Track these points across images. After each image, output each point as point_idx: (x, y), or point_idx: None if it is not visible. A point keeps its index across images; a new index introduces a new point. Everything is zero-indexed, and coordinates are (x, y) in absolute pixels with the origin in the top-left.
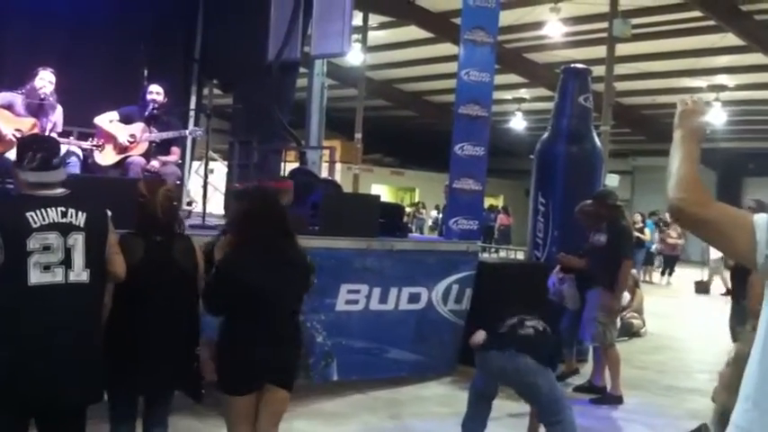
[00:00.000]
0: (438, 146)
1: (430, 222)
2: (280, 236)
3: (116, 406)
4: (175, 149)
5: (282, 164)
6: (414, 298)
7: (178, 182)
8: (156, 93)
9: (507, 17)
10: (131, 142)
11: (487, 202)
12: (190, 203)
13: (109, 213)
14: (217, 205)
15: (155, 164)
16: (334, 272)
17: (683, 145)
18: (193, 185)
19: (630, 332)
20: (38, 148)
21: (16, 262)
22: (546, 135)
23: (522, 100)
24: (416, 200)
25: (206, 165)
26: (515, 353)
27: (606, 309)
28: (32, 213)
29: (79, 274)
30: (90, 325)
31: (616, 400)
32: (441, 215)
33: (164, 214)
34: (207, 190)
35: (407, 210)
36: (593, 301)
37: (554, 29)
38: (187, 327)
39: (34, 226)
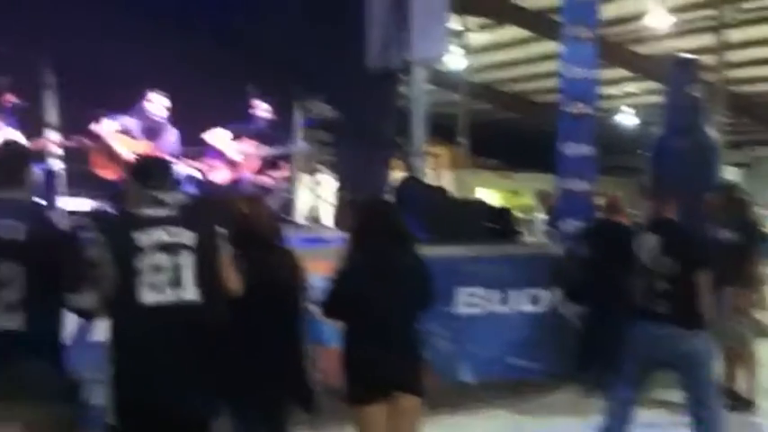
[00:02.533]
0: (545, 146)
1: (541, 225)
2: (395, 244)
3: (236, 423)
4: (284, 164)
5: (388, 172)
6: (534, 300)
7: (287, 196)
8: (262, 109)
9: (608, 9)
10: (242, 159)
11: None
12: (312, 218)
13: (221, 231)
14: (326, 217)
15: (265, 179)
16: (447, 277)
17: None
18: (302, 199)
19: (761, 332)
20: (154, 168)
21: (128, 282)
22: (657, 129)
23: (630, 94)
24: (526, 203)
25: (313, 177)
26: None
27: (739, 308)
28: (141, 233)
29: (189, 292)
30: (202, 342)
31: (748, 404)
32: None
33: (264, 229)
34: (316, 202)
35: (518, 213)
36: (725, 301)
37: (658, 19)
38: (293, 339)
39: (143, 246)
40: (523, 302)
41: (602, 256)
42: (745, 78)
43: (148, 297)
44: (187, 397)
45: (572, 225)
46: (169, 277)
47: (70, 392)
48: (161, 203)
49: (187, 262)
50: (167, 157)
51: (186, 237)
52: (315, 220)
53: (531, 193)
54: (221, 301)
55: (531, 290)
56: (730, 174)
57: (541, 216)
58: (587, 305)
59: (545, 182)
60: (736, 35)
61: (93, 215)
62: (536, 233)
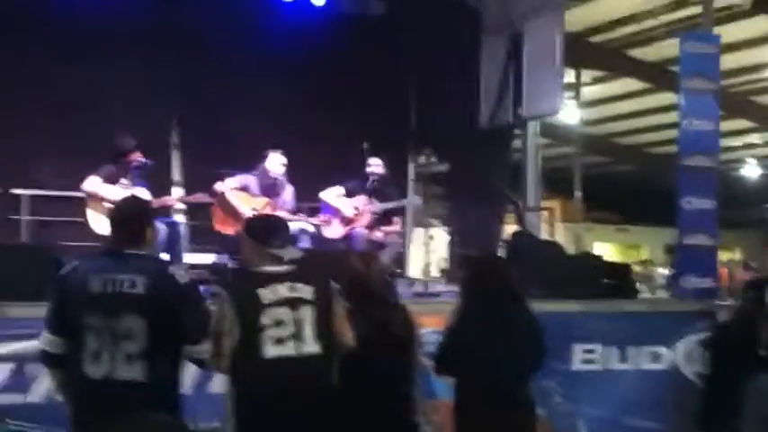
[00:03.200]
0: (664, 199)
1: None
2: (508, 299)
3: None
4: (396, 219)
5: (501, 227)
6: (655, 358)
7: (400, 250)
8: (374, 165)
9: (727, 61)
10: (355, 215)
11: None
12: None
13: (335, 285)
14: (438, 271)
15: (378, 234)
16: (563, 334)
17: None
18: (415, 253)
19: None
20: (272, 228)
21: (251, 337)
22: None
23: (753, 146)
24: (644, 257)
25: (426, 232)
26: None
27: None
28: (264, 289)
29: (310, 345)
30: (323, 395)
31: None
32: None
33: (378, 284)
34: (428, 257)
35: (636, 268)
36: None
37: None
38: (406, 394)
39: (266, 302)
40: (643, 360)
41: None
42: None
43: (271, 351)
44: None
45: (693, 281)
46: (291, 331)
47: None
48: (279, 260)
49: (307, 316)
50: (283, 214)
51: (306, 291)
52: (427, 274)
53: (649, 247)
54: (337, 353)
55: (651, 347)
56: None
57: (662, 270)
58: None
59: (663, 236)
60: None
61: (214, 270)
62: (656, 288)
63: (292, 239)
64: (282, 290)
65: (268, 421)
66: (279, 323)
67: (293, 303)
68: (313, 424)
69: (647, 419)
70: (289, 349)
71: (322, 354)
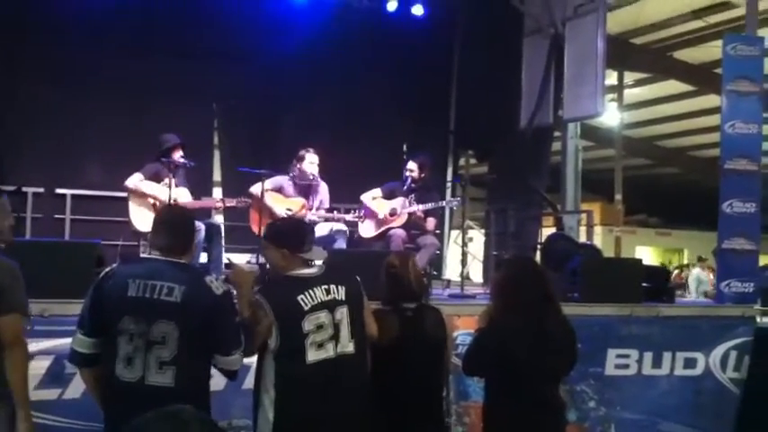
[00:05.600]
0: (706, 203)
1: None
2: (542, 302)
3: None
4: (431, 220)
5: (539, 229)
6: (689, 363)
7: (437, 252)
8: (410, 169)
9: None
10: (392, 215)
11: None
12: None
13: (358, 279)
14: (476, 273)
15: (415, 235)
16: (598, 338)
17: None
18: (452, 255)
19: None
20: (302, 230)
21: (295, 344)
22: None
23: None
24: (685, 261)
25: (464, 234)
26: None
27: None
28: (302, 296)
29: (346, 345)
30: (361, 393)
31: None
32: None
33: (413, 285)
34: (466, 258)
35: (677, 271)
36: None
37: None
38: (438, 394)
39: (306, 308)
40: (678, 365)
41: None
42: None
43: (313, 355)
44: None
45: (734, 286)
46: (330, 334)
47: None
48: (309, 263)
49: (344, 317)
50: (319, 214)
51: (340, 292)
52: (464, 276)
53: (691, 250)
54: (367, 349)
55: (687, 353)
56: None
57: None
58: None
59: (705, 240)
60: None
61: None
62: (697, 293)
63: (329, 240)
64: (319, 293)
65: (311, 424)
66: (320, 327)
67: (330, 306)
68: (354, 422)
69: (682, 425)
70: (328, 352)
71: (356, 352)
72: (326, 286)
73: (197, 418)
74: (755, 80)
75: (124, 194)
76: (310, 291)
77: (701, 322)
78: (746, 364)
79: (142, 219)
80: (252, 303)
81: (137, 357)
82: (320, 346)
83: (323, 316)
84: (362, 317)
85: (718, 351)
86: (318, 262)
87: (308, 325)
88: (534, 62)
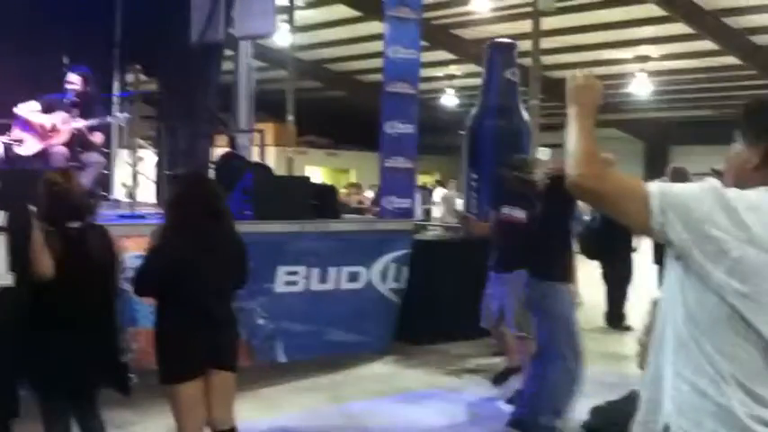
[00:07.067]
0: (372, 125)
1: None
2: (210, 218)
3: (46, 405)
4: (98, 134)
5: (212, 148)
6: (353, 277)
7: (104, 171)
8: (72, 81)
9: None
10: (53, 131)
11: (422, 179)
12: (130, 194)
13: (32, 209)
14: (147, 194)
15: (79, 153)
16: (269, 255)
17: (577, 121)
18: (121, 175)
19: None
20: None
21: None
22: (474, 110)
23: (452, 76)
24: (352, 180)
25: (134, 152)
26: None
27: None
28: None
29: (3, 277)
30: (14, 329)
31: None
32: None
33: (77, 204)
34: (136, 178)
35: (343, 191)
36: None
37: (480, 4)
38: (107, 319)
39: None
40: (342, 280)
41: None
42: (560, 64)
43: None
44: None
45: (394, 202)
46: None
47: None
48: None
49: (0, 245)
50: None
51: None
52: (133, 195)
53: (356, 170)
54: (31, 284)
55: (351, 267)
56: (544, 154)
57: (368, 194)
58: None
59: (371, 160)
60: (551, 22)
61: None
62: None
63: None
64: None
65: None
66: None
67: None
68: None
69: (349, 331)
70: None
71: (15, 286)
72: None
73: None
74: (414, 7)
75: None
76: None
77: (364, 236)
78: (405, 276)
79: None
80: None
81: None
82: None
83: None
84: (26, 248)
85: (378, 265)
86: None
87: None
88: None
